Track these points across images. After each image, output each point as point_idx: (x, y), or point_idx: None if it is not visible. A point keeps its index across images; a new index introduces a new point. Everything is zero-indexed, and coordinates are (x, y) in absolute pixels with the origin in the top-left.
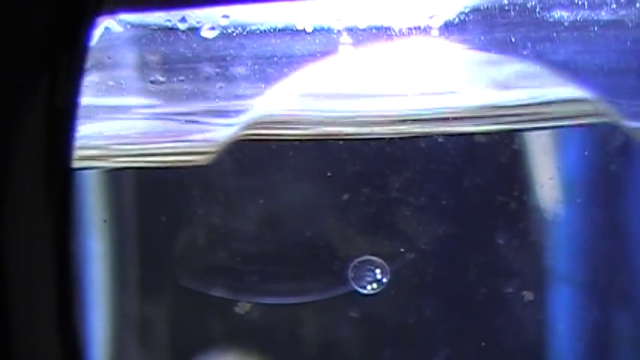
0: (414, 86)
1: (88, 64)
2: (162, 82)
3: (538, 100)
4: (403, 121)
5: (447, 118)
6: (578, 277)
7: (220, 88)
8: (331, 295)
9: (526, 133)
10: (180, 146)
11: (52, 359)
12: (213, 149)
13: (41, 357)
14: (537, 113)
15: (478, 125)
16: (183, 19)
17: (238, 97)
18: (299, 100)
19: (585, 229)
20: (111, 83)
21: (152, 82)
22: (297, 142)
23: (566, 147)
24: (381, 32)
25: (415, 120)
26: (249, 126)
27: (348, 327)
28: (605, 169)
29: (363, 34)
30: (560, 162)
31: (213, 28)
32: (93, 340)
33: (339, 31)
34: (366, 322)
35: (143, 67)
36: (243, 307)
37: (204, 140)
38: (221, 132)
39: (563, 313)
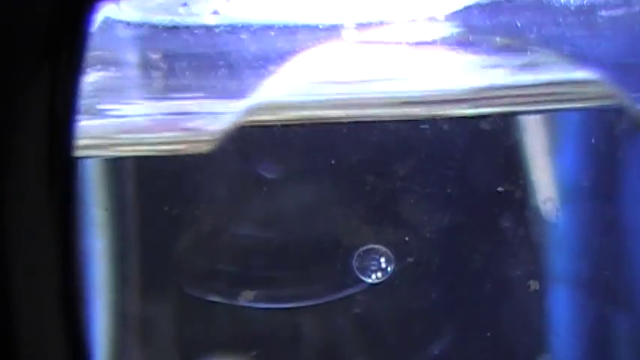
0: (417, 69)
1: (90, 51)
2: (163, 68)
3: (543, 82)
4: (406, 103)
5: (450, 101)
6: (578, 277)
7: (222, 74)
8: (337, 291)
9: (528, 120)
10: (182, 134)
11: (56, 351)
12: (215, 136)
13: (46, 351)
14: (542, 94)
15: (481, 107)
16: (184, 4)
17: (240, 83)
18: (301, 86)
19: (586, 227)
20: (112, 73)
21: (153, 67)
22: (300, 130)
23: (570, 134)
24: (385, 15)
25: (418, 102)
26: (251, 112)
27: (352, 314)
28: (612, 155)
29: (366, 18)
30: (564, 149)
31: (216, 13)
32: (94, 338)
33: (342, 17)
34: (370, 310)
35: (144, 54)
36: (246, 297)
37: (206, 127)
38: (224, 118)
39: (563, 313)
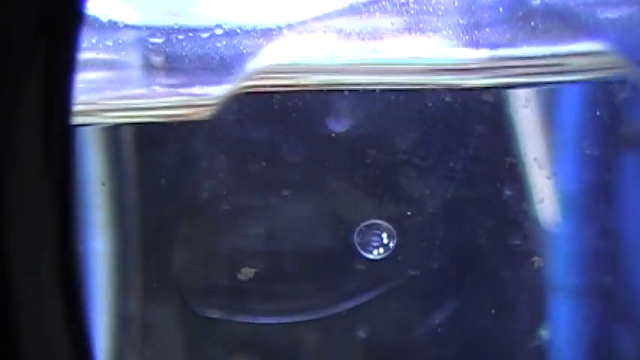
0: (419, 40)
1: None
2: (162, 38)
3: (547, 53)
4: (408, 71)
5: (456, 70)
6: (579, 286)
7: (221, 43)
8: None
9: (526, 94)
10: (181, 99)
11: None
12: (214, 103)
13: (44, 326)
14: (547, 65)
15: (487, 78)
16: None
17: (239, 50)
18: (301, 52)
19: (586, 235)
20: (109, 43)
21: (152, 39)
22: (300, 102)
23: (571, 104)
24: None
25: (420, 71)
26: (251, 78)
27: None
28: (613, 127)
29: None
30: (564, 121)
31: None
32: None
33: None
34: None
35: (146, 55)
36: (246, 274)
37: (205, 94)
38: (223, 86)
39: (564, 323)
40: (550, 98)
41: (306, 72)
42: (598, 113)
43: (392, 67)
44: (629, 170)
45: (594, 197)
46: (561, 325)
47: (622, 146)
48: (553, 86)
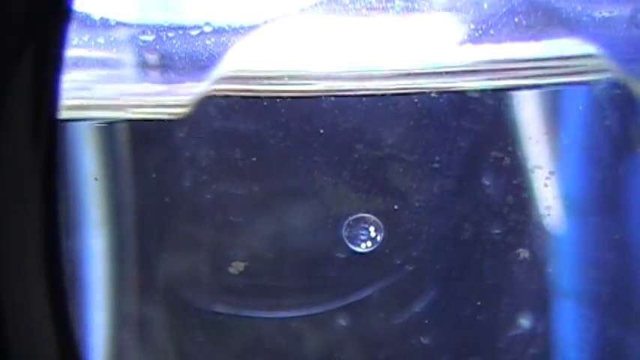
0: (406, 42)
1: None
2: (152, 35)
3: (534, 56)
4: (395, 76)
5: (442, 73)
6: (585, 293)
7: (210, 40)
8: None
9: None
10: (172, 97)
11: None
12: (202, 100)
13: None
14: (534, 68)
15: (473, 81)
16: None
17: (227, 47)
18: (286, 55)
19: (591, 240)
20: (100, 40)
21: (142, 36)
22: (288, 99)
23: (562, 106)
24: None
25: (408, 74)
26: (234, 80)
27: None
28: (602, 126)
29: None
30: (555, 120)
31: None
32: (92, 339)
33: None
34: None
35: (140, 54)
36: (236, 267)
37: (194, 92)
38: (211, 83)
39: (570, 331)
40: (541, 98)
41: (289, 78)
42: (581, 107)
43: (379, 72)
44: (632, 174)
45: (596, 200)
46: (565, 332)
47: (612, 144)
48: (541, 88)
